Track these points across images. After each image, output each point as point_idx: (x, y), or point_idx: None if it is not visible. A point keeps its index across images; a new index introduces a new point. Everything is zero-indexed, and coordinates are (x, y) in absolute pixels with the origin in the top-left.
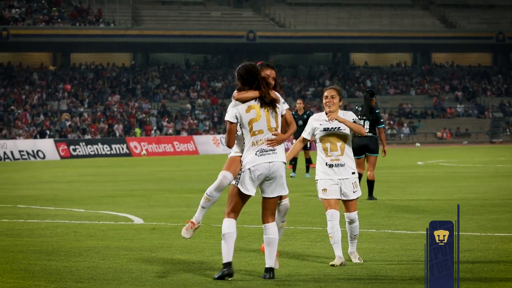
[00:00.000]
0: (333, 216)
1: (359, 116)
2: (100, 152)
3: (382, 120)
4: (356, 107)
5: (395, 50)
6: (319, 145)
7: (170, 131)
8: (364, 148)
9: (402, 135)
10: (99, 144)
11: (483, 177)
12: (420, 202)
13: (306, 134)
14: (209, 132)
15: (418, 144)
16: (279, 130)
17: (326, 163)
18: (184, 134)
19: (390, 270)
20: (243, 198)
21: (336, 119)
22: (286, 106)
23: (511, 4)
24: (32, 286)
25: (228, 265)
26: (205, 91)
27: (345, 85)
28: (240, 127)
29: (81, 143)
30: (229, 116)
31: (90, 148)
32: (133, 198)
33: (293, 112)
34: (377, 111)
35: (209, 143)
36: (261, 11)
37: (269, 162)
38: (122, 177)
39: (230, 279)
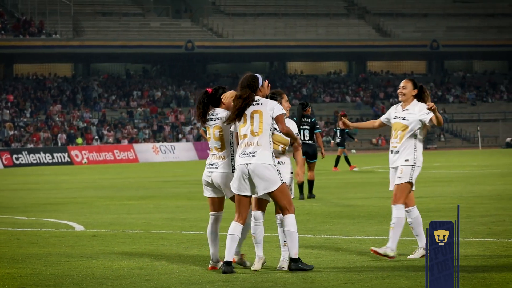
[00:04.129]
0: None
1: (299, 127)
2: (42, 161)
3: (318, 126)
4: (294, 118)
5: (331, 58)
6: None
7: (111, 139)
8: (304, 154)
9: None
10: (41, 153)
11: (417, 182)
12: (355, 207)
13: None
14: (149, 140)
15: (354, 151)
16: (263, 134)
17: None
18: (124, 142)
19: (326, 275)
20: (240, 199)
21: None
22: (280, 111)
23: (445, 13)
24: None
25: (226, 263)
26: (145, 100)
27: None
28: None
29: (23, 152)
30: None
31: (32, 157)
32: (75, 206)
33: None
34: (313, 119)
35: (149, 151)
36: (199, 22)
37: (246, 164)
38: (64, 185)
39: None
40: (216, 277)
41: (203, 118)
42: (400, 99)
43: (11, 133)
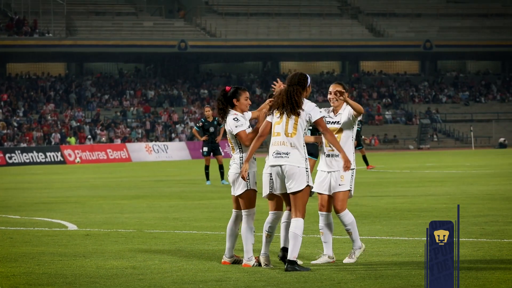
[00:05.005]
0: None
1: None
2: (35, 160)
3: None
4: None
5: (324, 58)
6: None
7: (104, 139)
8: (308, 155)
9: None
10: (34, 152)
11: (411, 182)
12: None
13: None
14: (142, 139)
15: None
16: (296, 136)
17: None
18: (117, 141)
19: (319, 275)
20: (283, 197)
21: None
22: (319, 115)
23: (438, 13)
24: None
25: (282, 249)
26: (138, 99)
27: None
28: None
29: (16, 151)
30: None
31: (25, 156)
32: (68, 205)
33: (203, 119)
34: None
35: (142, 151)
36: (193, 21)
37: (280, 166)
38: (56, 184)
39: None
40: (209, 277)
41: (221, 115)
42: (332, 104)
43: (4, 132)
